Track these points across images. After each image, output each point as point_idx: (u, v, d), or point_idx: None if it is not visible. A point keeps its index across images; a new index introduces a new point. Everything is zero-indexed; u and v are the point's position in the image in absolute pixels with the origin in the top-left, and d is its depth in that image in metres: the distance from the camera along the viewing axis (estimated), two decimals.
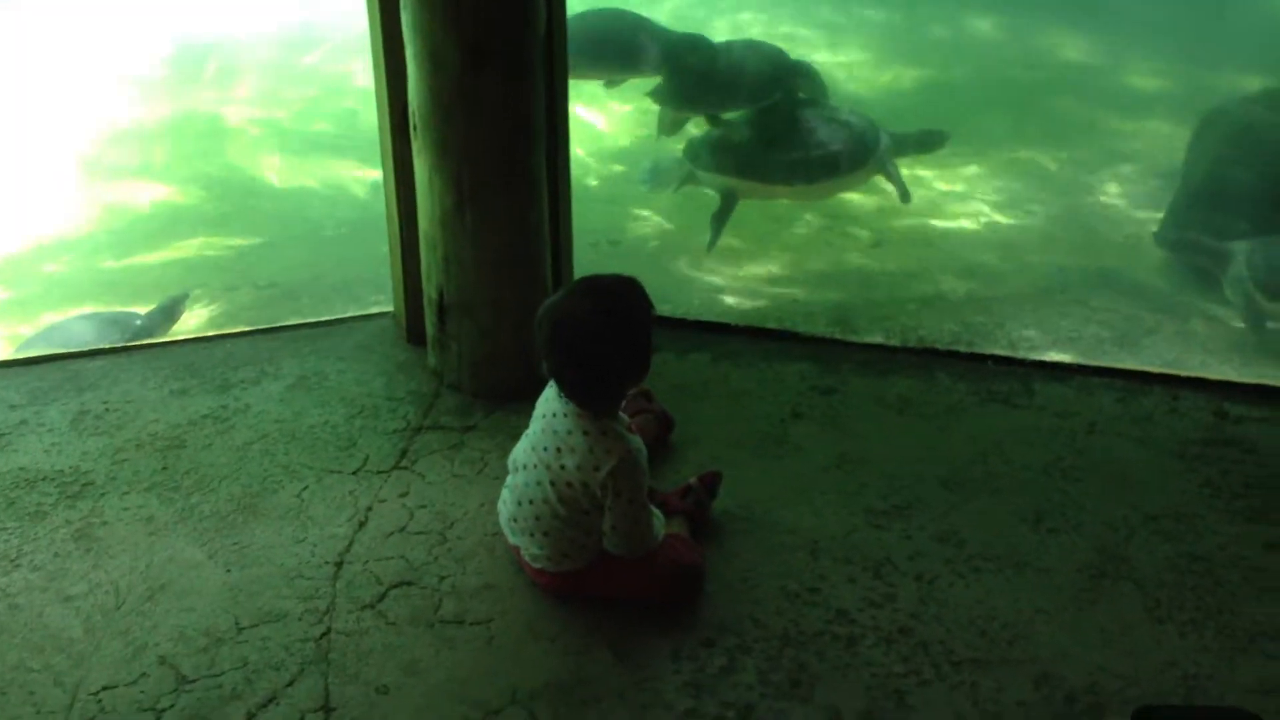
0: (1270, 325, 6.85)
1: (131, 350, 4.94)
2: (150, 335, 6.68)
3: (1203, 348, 6.54)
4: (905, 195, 8.11)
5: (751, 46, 8.91)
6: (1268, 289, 6.86)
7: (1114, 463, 4.11)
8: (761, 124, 8.07)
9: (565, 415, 3.39)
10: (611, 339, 3.30)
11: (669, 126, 8.99)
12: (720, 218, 7.81)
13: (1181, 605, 3.47)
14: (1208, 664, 3.26)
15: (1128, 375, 4.64)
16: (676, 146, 8.85)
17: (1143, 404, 4.43)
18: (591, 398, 3.37)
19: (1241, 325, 6.88)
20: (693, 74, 8.42)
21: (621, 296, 3.37)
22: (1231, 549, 3.70)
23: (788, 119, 8.04)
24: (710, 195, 8.22)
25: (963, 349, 5.01)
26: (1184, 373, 4.74)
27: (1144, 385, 4.55)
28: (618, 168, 9.73)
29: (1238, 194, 7.54)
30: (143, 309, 7.23)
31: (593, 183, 9.31)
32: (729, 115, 8.33)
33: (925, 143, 8.54)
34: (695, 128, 8.74)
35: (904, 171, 8.37)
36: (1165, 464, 4.10)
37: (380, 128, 4.65)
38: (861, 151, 7.88)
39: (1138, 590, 3.53)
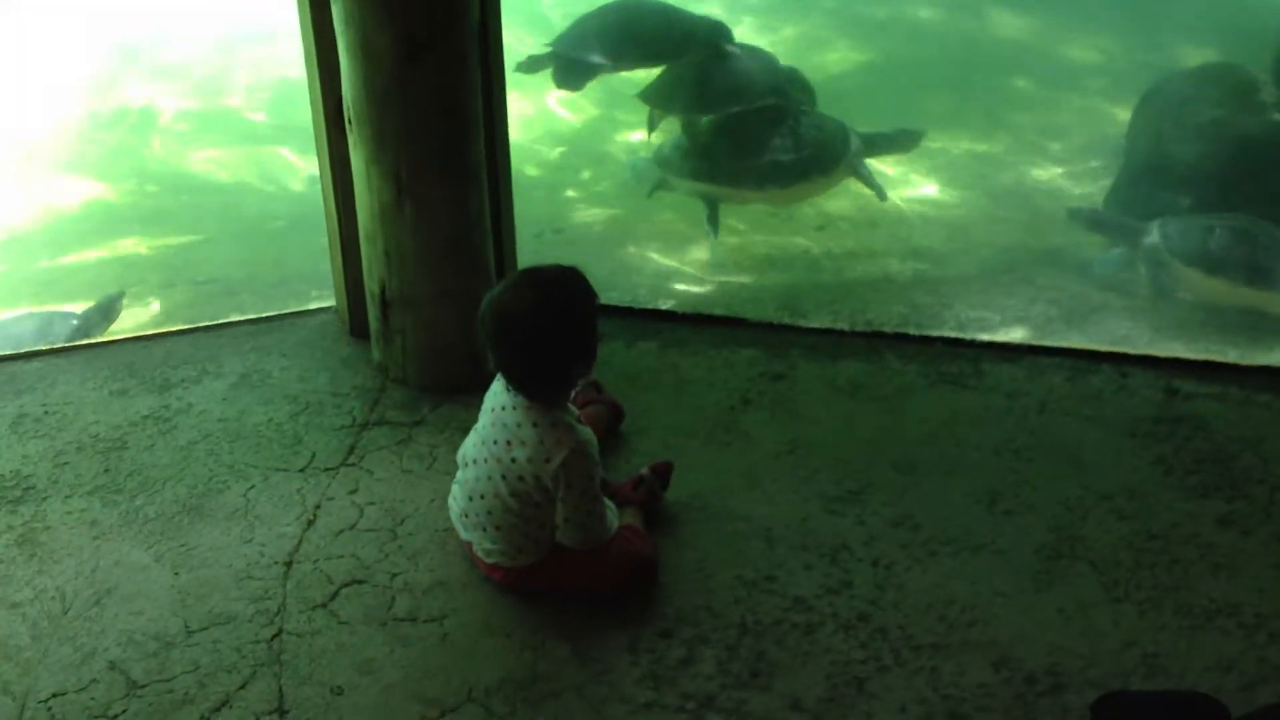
0: (1181, 295, 6.93)
1: (69, 351, 4.85)
2: (87, 335, 6.58)
3: (1150, 324, 6.57)
4: (881, 194, 8.05)
5: (749, 51, 8.75)
6: (1184, 256, 6.95)
7: (1066, 442, 4.11)
8: (732, 129, 7.99)
9: (514, 408, 3.36)
10: (556, 329, 3.28)
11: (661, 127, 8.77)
12: (711, 221, 7.75)
13: (1139, 584, 3.47)
14: (1167, 642, 3.27)
15: (1076, 354, 4.64)
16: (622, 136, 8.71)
17: (1092, 382, 4.43)
18: (540, 389, 3.34)
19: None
20: (702, 73, 8.24)
21: (564, 286, 3.35)
22: (1186, 526, 3.70)
23: (758, 123, 7.96)
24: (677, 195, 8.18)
25: (912, 331, 5.00)
26: (1133, 350, 4.75)
27: (1093, 364, 4.56)
28: (559, 154, 9.68)
29: (1178, 170, 7.57)
30: (79, 308, 7.12)
31: (533, 171, 9.24)
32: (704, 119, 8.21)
33: (898, 142, 8.43)
34: (661, 134, 8.55)
35: None
36: (1117, 442, 4.10)
37: (314, 122, 4.59)
38: (832, 154, 7.83)
39: (1094, 570, 3.53)
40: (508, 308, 3.29)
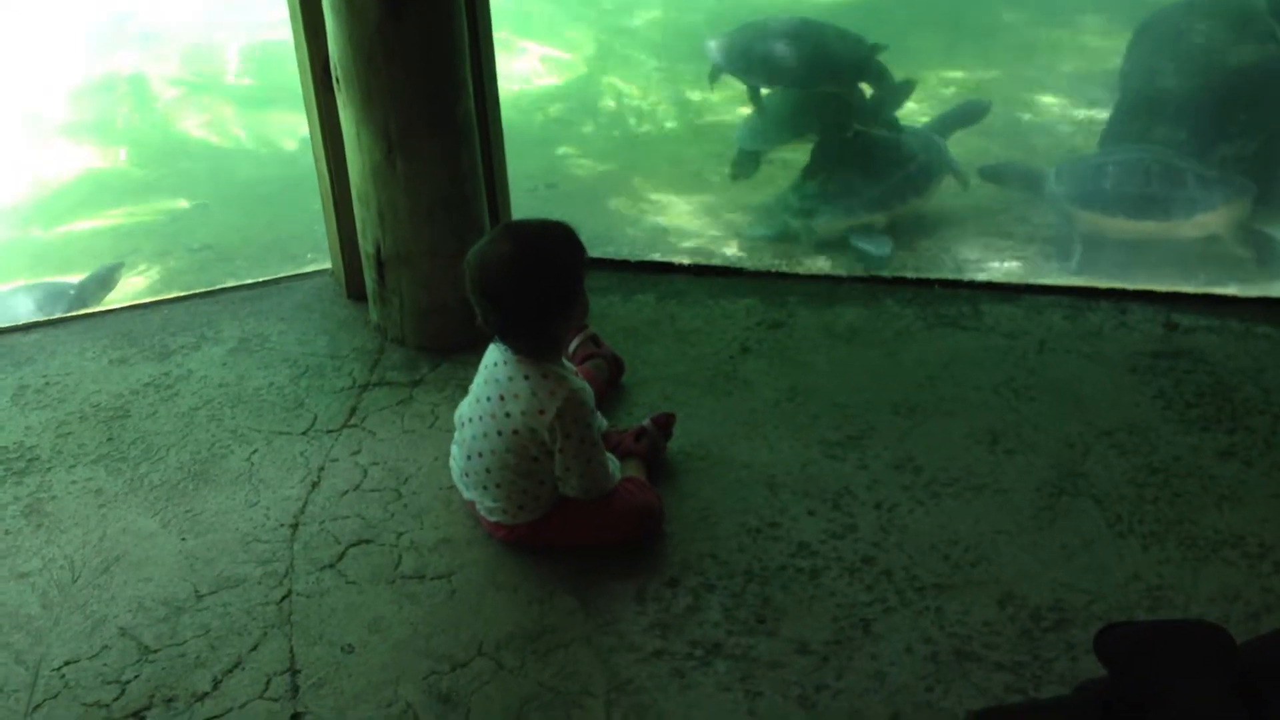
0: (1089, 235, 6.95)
1: (67, 321, 4.86)
2: (85, 305, 6.58)
3: (1148, 258, 6.55)
4: (965, 183, 7.87)
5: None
6: (1080, 200, 6.99)
7: (1066, 380, 4.11)
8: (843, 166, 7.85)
9: (506, 363, 3.36)
10: (533, 282, 3.26)
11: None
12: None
13: (1142, 518, 3.48)
14: (1171, 575, 3.27)
15: (1075, 291, 4.63)
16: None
17: (1091, 319, 4.43)
18: (525, 342, 3.33)
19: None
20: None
21: (542, 238, 3.34)
22: (1188, 459, 3.71)
23: (858, 153, 7.81)
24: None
25: (909, 274, 4.99)
26: (1131, 285, 4.72)
27: (1091, 300, 4.55)
28: (552, 108, 9.64)
29: (1173, 104, 7.53)
30: (75, 278, 7.12)
31: (526, 126, 9.21)
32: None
33: (967, 117, 8.29)
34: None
35: None
36: (1117, 378, 4.11)
37: (303, 83, 4.56)
38: (938, 165, 7.67)
39: (1097, 506, 3.53)
40: (485, 258, 3.28)
